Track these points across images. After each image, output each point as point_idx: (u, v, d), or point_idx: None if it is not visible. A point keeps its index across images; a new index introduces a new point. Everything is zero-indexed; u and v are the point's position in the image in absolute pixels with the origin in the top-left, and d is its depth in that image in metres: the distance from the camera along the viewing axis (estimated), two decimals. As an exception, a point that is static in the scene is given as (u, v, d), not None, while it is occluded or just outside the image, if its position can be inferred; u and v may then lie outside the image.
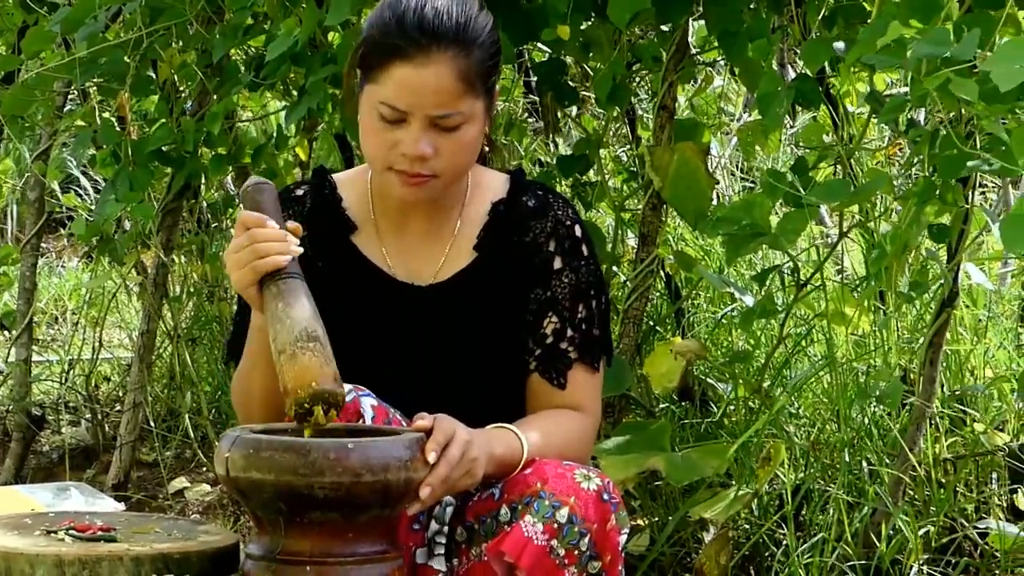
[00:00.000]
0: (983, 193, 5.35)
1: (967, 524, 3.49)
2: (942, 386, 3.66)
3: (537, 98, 4.43)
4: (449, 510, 2.54)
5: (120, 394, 5.22)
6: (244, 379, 2.60)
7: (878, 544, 3.34)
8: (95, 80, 4.21)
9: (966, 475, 3.62)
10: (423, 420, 2.40)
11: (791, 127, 5.24)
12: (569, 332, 2.67)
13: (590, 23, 3.58)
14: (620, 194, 4.24)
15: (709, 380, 3.97)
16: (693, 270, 3.97)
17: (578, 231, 2.70)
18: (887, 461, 3.56)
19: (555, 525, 2.37)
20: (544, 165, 4.91)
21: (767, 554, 3.55)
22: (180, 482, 4.62)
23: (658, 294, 4.23)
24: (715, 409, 3.91)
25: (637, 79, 4.10)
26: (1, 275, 4.96)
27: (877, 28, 2.68)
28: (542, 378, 2.67)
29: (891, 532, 3.36)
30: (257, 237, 2.44)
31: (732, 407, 3.87)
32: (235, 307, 2.78)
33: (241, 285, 2.46)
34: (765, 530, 3.49)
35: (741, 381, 3.75)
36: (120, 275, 4.92)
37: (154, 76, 4.25)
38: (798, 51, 4.25)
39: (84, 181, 7.26)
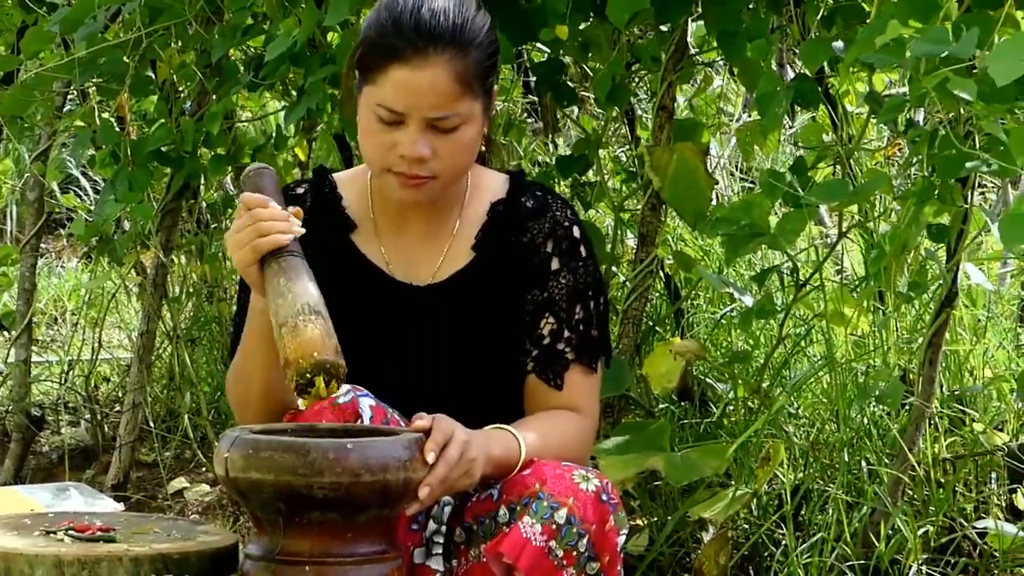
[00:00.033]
0: (982, 193, 5.35)
1: (966, 524, 3.49)
2: (941, 386, 3.66)
3: (536, 98, 4.43)
4: (447, 510, 2.54)
5: (119, 394, 5.22)
6: (242, 368, 2.60)
7: (877, 544, 3.34)
8: (94, 80, 4.21)
9: (965, 475, 3.62)
10: (422, 420, 2.40)
11: (790, 127, 5.24)
12: (566, 333, 2.67)
13: (589, 23, 3.58)
14: (619, 194, 4.24)
15: (708, 380, 3.97)
16: (692, 270, 3.97)
17: (576, 232, 2.70)
18: (886, 461, 3.56)
19: (554, 526, 2.37)
20: (543, 165, 4.91)
21: (766, 554, 3.55)
22: (179, 482, 4.62)
23: (657, 294, 4.23)
24: (714, 409, 3.91)
25: (636, 79, 4.10)
26: (1, 275, 4.96)
27: (876, 27, 2.68)
28: (539, 379, 2.67)
29: (890, 532, 3.36)
30: (259, 216, 2.46)
31: (731, 407, 3.87)
32: (234, 308, 2.78)
33: (243, 264, 2.47)
34: (764, 530, 3.49)
35: (740, 381, 3.75)
36: (119, 275, 4.92)
37: (153, 76, 4.25)
38: (797, 51, 4.26)
39: (83, 181, 7.26)
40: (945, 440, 3.61)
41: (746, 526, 3.60)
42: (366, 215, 2.72)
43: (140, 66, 4.09)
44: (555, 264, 2.69)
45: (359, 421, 2.48)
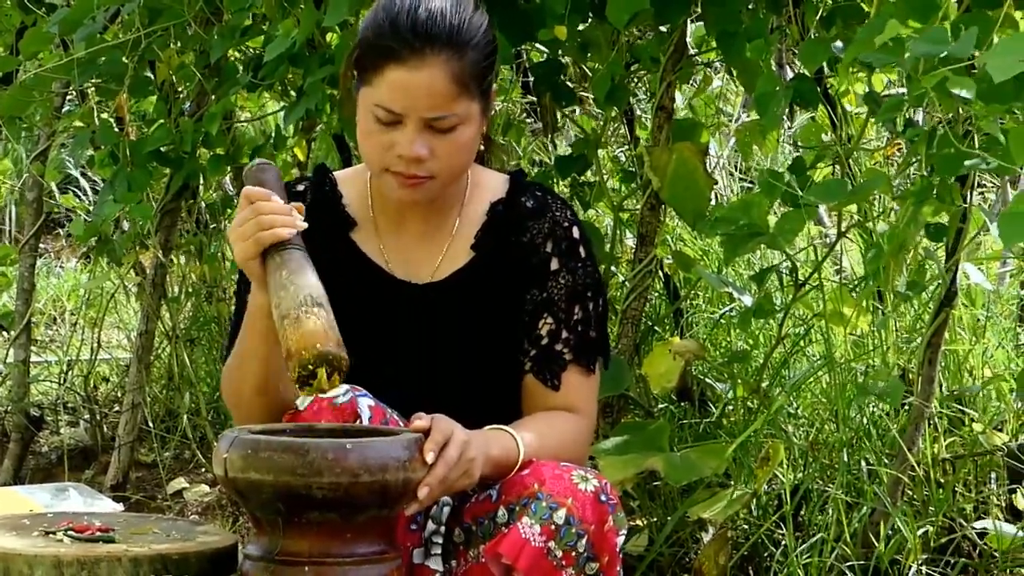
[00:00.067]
0: (982, 193, 5.35)
1: (966, 524, 3.49)
2: (941, 386, 3.66)
3: (535, 98, 4.43)
4: (446, 510, 2.54)
5: (119, 395, 5.22)
6: (239, 365, 2.59)
7: (877, 544, 3.34)
8: (93, 81, 4.21)
9: (965, 475, 3.61)
10: (421, 420, 2.40)
11: (789, 127, 5.24)
12: (564, 334, 2.67)
13: (588, 23, 3.58)
14: (618, 194, 4.23)
15: (708, 380, 3.97)
16: (691, 270, 3.97)
17: (576, 233, 2.70)
18: (886, 461, 3.56)
19: (552, 526, 2.37)
20: (542, 165, 4.91)
21: (766, 554, 3.55)
22: (179, 483, 4.62)
23: (656, 294, 4.23)
24: (714, 409, 3.91)
25: (635, 79, 4.10)
26: (0, 275, 4.96)
27: (875, 27, 2.68)
28: (537, 379, 2.67)
29: (890, 532, 3.36)
30: (262, 209, 2.45)
31: (731, 407, 3.87)
32: (233, 307, 2.78)
33: (244, 257, 2.46)
34: (764, 530, 3.49)
35: (740, 381, 3.75)
36: (118, 276, 4.92)
37: (152, 77, 4.25)
38: (796, 51, 4.26)
39: (83, 182, 7.25)
40: (944, 440, 3.61)
41: (746, 526, 3.60)
42: (366, 214, 2.73)
43: (139, 67, 4.09)
44: (554, 264, 2.69)
45: (358, 421, 2.48)
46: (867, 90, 3.64)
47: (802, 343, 4.07)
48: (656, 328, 4.19)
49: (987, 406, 3.78)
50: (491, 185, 2.73)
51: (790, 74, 4.49)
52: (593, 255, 2.72)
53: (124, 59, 4.02)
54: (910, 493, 3.50)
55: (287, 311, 2.36)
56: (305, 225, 2.48)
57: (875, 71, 3.61)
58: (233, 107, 4.42)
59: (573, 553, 2.38)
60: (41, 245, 6.20)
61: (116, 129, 4.22)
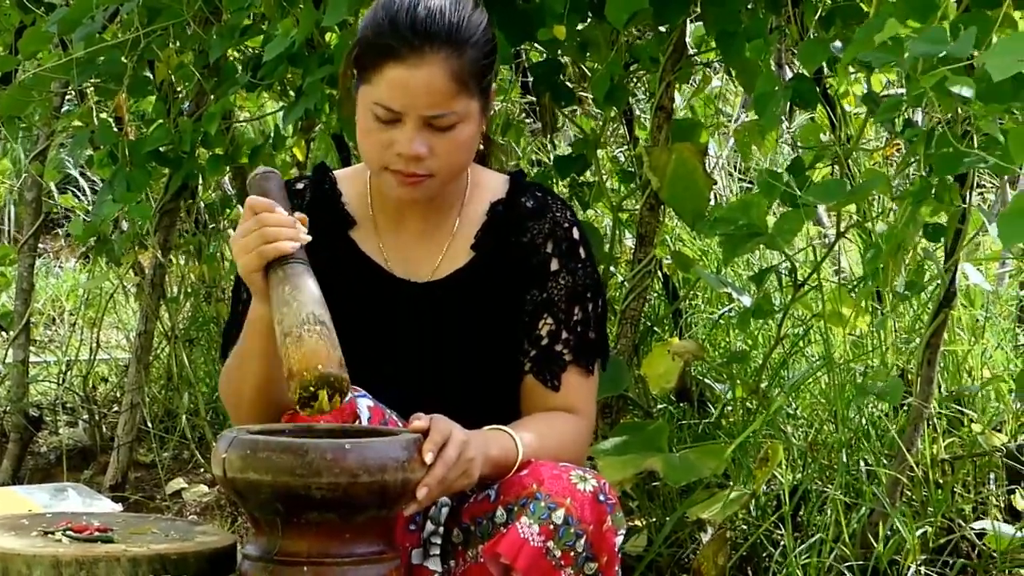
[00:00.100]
0: (981, 194, 5.35)
1: (964, 525, 3.49)
2: (940, 387, 3.66)
3: (534, 98, 4.43)
4: (445, 511, 2.54)
5: (118, 395, 5.22)
6: (239, 367, 2.58)
7: (875, 545, 3.34)
8: (92, 80, 4.21)
9: (964, 476, 3.61)
10: (419, 421, 2.40)
11: (788, 127, 5.24)
12: (564, 334, 2.67)
13: (587, 23, 3.58)
14: (617, 194, 4.23)
15: (707, 381, 3.97)
16: (691, 270, 3.97)
17: (576, 233, 2.70)
18: (885, 462, 3.56)
19: (551, 526, 2.37)
20: (541, 165, 4.91)
21: (764, 555, 3.55)
22: (177, 483, 4.62)
23: (656, 294, 4.23)
24: (713, 410, 3.91)
25: (634, 79, 4.10)
26: (-1, 275, 4.96)
27: (874, 26, 2.68)
28: (536, 379, 2.67)
29: (888, 533, 3.35)
30: (265, 221, 2.44)
31: (730, 408, 3.87)
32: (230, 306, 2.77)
33: (247, 270, 2.45)
34: (763, 531, 3.48)
35: (739, 381, 3.75)
36: (117, 276, 4.92)
37: (151, 76, 4.25)
38: (795, 51, 4.25)
39: (82, 182, 7.26)
40: (943, 441, 3.61)
41: (744, 527, 3.60)
42: (365, 212, 2.73)
43: (138, 66, 4.09)
44: (554, 265, 2.69)
45: (357, 422, 2.48)
46: (866, 90, 3.64)
47: (801, 343, 4.07)
48: (655, 328, 4.19)
49: (986, 407, 3.78)
50: (491, 185, 2.74)
51: (789, 74, 4.49)
52: (592, 256, 2.72)
53: (123, 59, 4.02)
54: (909, 494, 3.50)
55: (289, 329, 2.35)
56: (309, 238, 2.46)
57: (874, 71, 3.61)
58: (232, 107, 4.42)
59: (572, 553, 2.38)
60: (40, 245, 6.20)
61: (115, 129, 4.22)
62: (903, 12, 2.67)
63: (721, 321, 4.30)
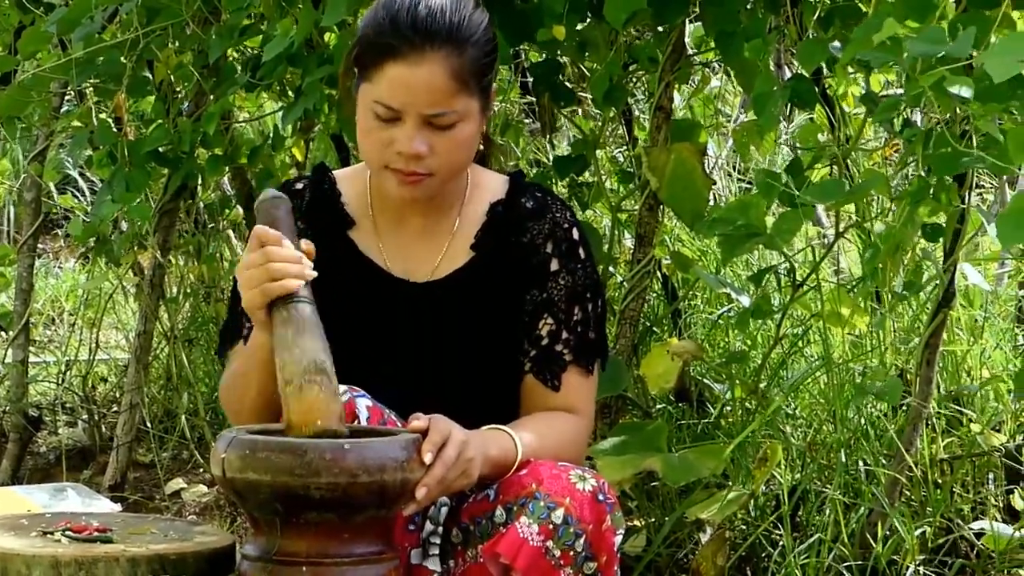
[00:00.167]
0: (980, 194, 5.35)
1: (963, 525, 3.49)
2: (938, 387, 3.66)
3: (534, 99, 4.43)
4: (444, 510, 2.54)
5: (117, 395, 5.22)
6: (242, 375, 2.58)
7: (874, 545, 3.34)
8: (91, 81, 4.21)
9: (962, 476, 3.61)
10: (419, 421, 2.40)
11: (787, 128, 5.24)
12: (564, 334, 2.67)
13: (586, 23, 3.58)
14: (617, 195, 4.23)
15: (706, 381, 3.97)
16: (690, 271, 3.97)
17: (575, 234, 2.71)
18: (883, 462, 3.56)
19: (551, 526, 2.37)
20: (541, 165, 4.91)
21: (763, 555, 3.55)
22: (177, 483, 4.62)
23: (655, 295, 4.23)
24: (712, 410, 3.90)
25: (633, 80, 4.10)
26: (-2, 276, 4.96)
27: (873, 25, 2.68)
28: (536, 379, 2.67)
29: (887, 533, 3.36)
30: (272, 256, 2.41)
31: (728, 408, 3.86)
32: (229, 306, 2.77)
33: (251, 306, 2.44)
34: (761, 531, 3.48)
35: (738, 382, 3.75)
36: (117, 276, 4.92)
37: (150, 77, 4.25)
38: (794, 51, 4.25)
39: (81, 182, 7.25)
40: (942, 441, 3.61)
41: (743, 527, 3.60)
42: (365, 212, 2.73)
43: (137, 66, 4.09)
44: (554, 265, 2.69)
45: (356, 422, 2.48)
46: (864, 90, 3.64)
47: (800, 344, 4.07)
48: (654, 329, 4.19)
49: (985, 407, 3.78)
50: (491, 186, 2.74)
51: (788, 74, 4.49)
52: (592, 256, 2.73)
53: (122, 59, 4.02)
54: (908, 494, 3.50)
55: (291, 377, 2.35)
56: (315, 274, 2.45)
57: (873, 71, 3.61)
58: (231, 107, 4.42)
59: (571, 553, 2.38)
60: (39, 245, 6.19)
61: (114, 129, 4.21)
62: (902, 12, 2.67)
63: (720, 321, 4.30)
